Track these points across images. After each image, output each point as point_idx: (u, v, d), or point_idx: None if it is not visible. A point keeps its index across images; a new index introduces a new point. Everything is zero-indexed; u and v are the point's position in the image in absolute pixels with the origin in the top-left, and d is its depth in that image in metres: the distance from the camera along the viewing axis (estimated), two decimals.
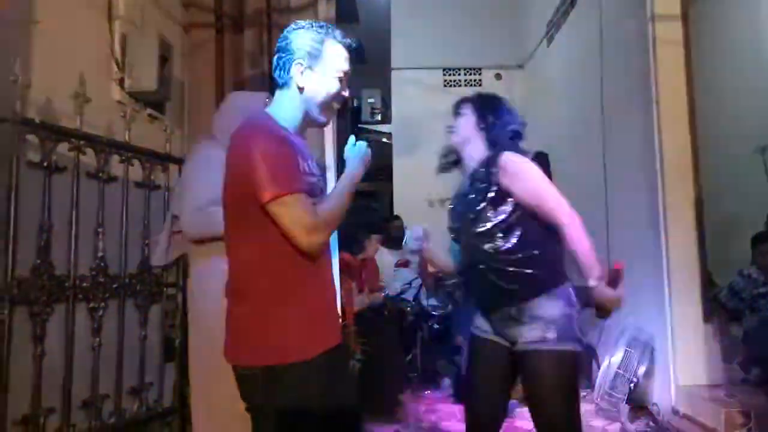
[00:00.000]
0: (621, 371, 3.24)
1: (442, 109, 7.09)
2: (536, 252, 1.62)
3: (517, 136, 1.82)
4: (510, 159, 1.67)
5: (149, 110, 2.76)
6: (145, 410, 2.36)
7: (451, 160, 1.89)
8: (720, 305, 3.42)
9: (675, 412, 3.09)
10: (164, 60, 2.71)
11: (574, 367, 1.65)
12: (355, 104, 7.22)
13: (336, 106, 1.44)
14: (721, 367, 3.15)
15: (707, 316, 3.16)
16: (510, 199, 1.64)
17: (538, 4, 5.64)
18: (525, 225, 1.63)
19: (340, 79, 1.40)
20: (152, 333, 2.46)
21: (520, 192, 1.63)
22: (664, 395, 3.20)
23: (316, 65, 1.37)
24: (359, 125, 7.07)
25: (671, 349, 3.15)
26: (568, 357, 1.60)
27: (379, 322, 3.70)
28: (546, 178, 1.66)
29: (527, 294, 1.60)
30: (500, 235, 1.63)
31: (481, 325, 1.76)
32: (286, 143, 1.31)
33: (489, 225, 1.65)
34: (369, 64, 8.04)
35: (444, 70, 6.38)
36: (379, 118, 6.80)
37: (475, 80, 6.39)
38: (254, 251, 1.31)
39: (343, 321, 3.28)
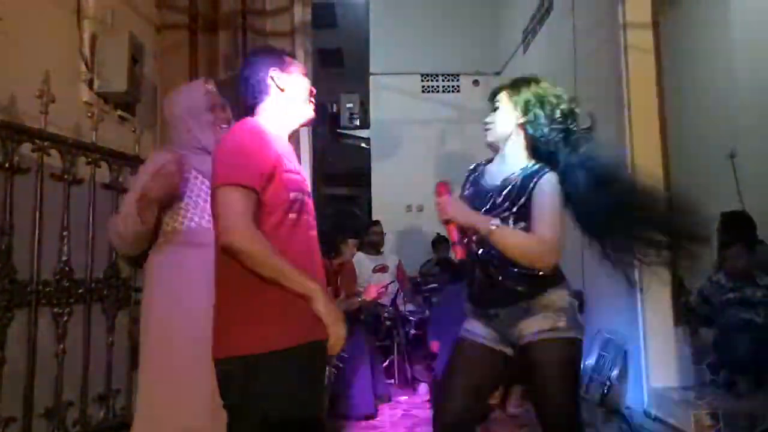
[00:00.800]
0: (595, 375, 3.26)
1: (420, 114, 7.20)
2: None
3: (567, 136, 1.65)
4: (549, 183, 1.60)
5: (119, 112, 2.71)
6: (112, 417, 2.30)
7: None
8: (691, 310, 3.48)
9: (647, 414, 3.13)
10: (135, 61, 2.66)
11: (580, 356, 1.67)
12: (333, 109, 7.22)
13: (311, 101, 1.56)
14: (691, 369, 3.20)
15: (678, 320, 3.21)
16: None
17: (515, 12, 5.71)
18: None
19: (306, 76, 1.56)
20: (120, 339, 2.40)
21: (534, 205, 1.59)
22: (636, 398, 3.23)
23: (286, 70, 1.51)
24: (338, 130, 7.06)
25: (644, 352, 3.19)
26: (577, 344, 1.63)
27: (355, 327, 3.67)
28: (560, 211, 1.59)
29: (537, 292, 1.61)
30: None
31: (473, 328, 1.72)
32: (267, 141, 1.38)
33: None
34: (347, 69, 8.07)
35: (422, 75, 6.44)
36: (357, 123, 6.79)
37: (453, 86, 6.45)
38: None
39: None
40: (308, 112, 1.54)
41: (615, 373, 3.25)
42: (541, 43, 5.03)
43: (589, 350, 3.41)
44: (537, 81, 1.74)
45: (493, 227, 1.53)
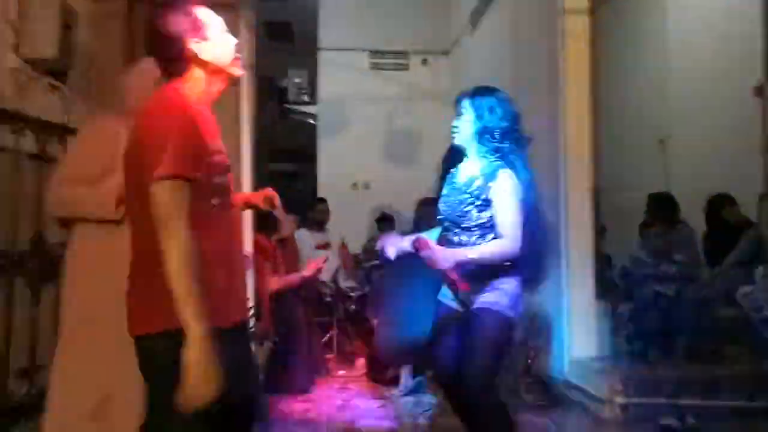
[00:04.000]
0: (520, 346, 3.45)
1: (369, 91, 7.15)
2: None
3: (517, 140, 2.00)
4: (504, 180, 1.92)
5: (49, 79, 2.61)
6: (34, 392, 2.27)
7: (456, 162, 2.10)
8: (613, 285, 3.71)
9: (567, 383, 3.34)
10: (68, 27, 2.56)
11: (510, 334, 2.03)
12: (281, 84, 7.12)
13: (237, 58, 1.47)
14: (609, 340, 3.44)
15: (598, 295, 3.42)
16: (492, 206, 1.93)
17: None
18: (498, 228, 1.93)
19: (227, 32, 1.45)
20: (45, 313, 2.36)
21: (495, 203, 1.92)
22: (558, 368, 3.45)
23: (206, 35, 1.40)
24: (285, 105, 6.98)
25: (566, 325, 3.40)
26: (510, 322, 1.95)
27: (295, 302, 3.73)
28: (516, 208, 1.91)
29: (492, 275, 1.93)
30: (479, 232, 1.94)
31: (448, 294, 2.06)
32: (197, 121, 1.31)
33: (472, 224, 1.95)
34: (296, 44, 7.95)
35: (371, 52, 6.41)
36: (305, 98, 6.75)
37: (402, 64, 6.47)
38: (149, 222, 1.27)
39: (257, 301, 3.29)
40: (235, 72, 1.45)
41: (539, 344, 3.45)
42: (487, 26, 5.12)
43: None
44: (493, 90, 2.03)
45: (472, 255, 1.88)
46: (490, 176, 1.93)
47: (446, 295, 2.07)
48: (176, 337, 1.24)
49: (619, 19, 5.68)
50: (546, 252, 2.08)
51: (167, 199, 1.23)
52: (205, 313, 1.22)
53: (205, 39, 1.39)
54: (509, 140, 1.97)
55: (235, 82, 1.49)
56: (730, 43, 4.25)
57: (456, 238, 1.98)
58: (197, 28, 1.38)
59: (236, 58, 1.45)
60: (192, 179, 1.26)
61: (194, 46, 1.37)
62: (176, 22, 1.36)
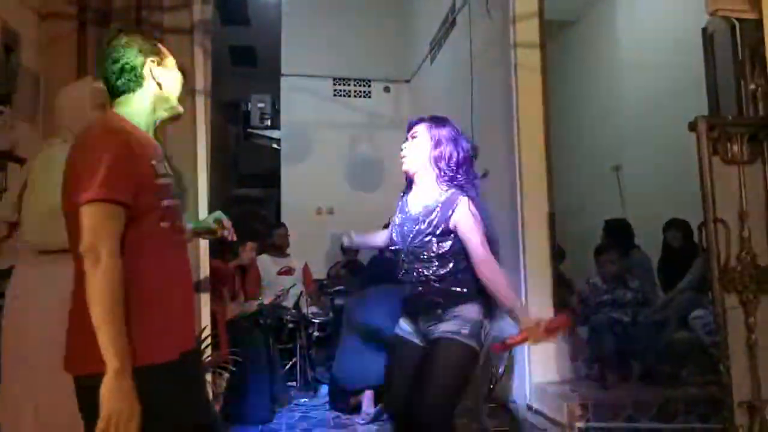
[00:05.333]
0: (482, 371, 3.44)
1: (332, 118, 7.19)
2: (462, 277, 1.92)
3: (471, 174, 2.00)
4: (465, 207, 1.90)
5: None
6: None
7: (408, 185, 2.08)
8: (571, 310, 3.76)
9: (529, 407, 3.34)
10: (9, 50, 2.50)
11: (470, 365, 1.92)
12: (244, 108, 7.10)
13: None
14: (569, 365, 3.46)
15: None
16: (452, 235, 1.91)
17: (424, 23, 5.89)
18: (457, 256, 1.92)
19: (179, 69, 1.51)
20: None
21: (461, 231, 1.89)
22: (520, 392, 3.45)
23: (162, 62, 1.45)
24: (248, 129, 6.95)
25: (527, 350, 3.40)
26: (471, 352, 1.88)
27: (253, 329, 3.64)
28: (478, 228, 1.89)
29: (452, 304, 1.90)
30: (437, 263, 1.92)
31: (406, 327, 2.03)
32: (132, 145, 1.30)
33: (431, 254, 1.92)
34: (259, 69, 7.96)
35: (334, 79, 6.46)
36: (268, 123, 6.74)
37: (364, 92, 6.53)
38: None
39: (213, 329, 3.20)
40: (179, 109, 1.49)
41: (501, 369, 3.45)
42: (446, 56, 5.23)
43: None
44: (449, 121, 2.03)
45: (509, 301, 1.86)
46: (449, 205, 1.90)
47: (404, 328, 2.04)
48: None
49: (571, 51, 5.91)
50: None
51: (93, 223, 1.20)
52: (126, 349, 1.18)
53: (161, 64, 1.44)
54: (464, 172, 1.96)
55: (175, 119, 1.51)
56: (678, 73, 4.45)
57: (415, 272, 1.95)
58: (157, 52, 1.44)
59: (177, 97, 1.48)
60: (123, 203, 1.23)
61: (151, 65, 1.41)
62: (139, 41, 1.42)
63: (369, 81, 6.51)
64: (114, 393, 1.15)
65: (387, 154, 6.21)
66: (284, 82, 6.39)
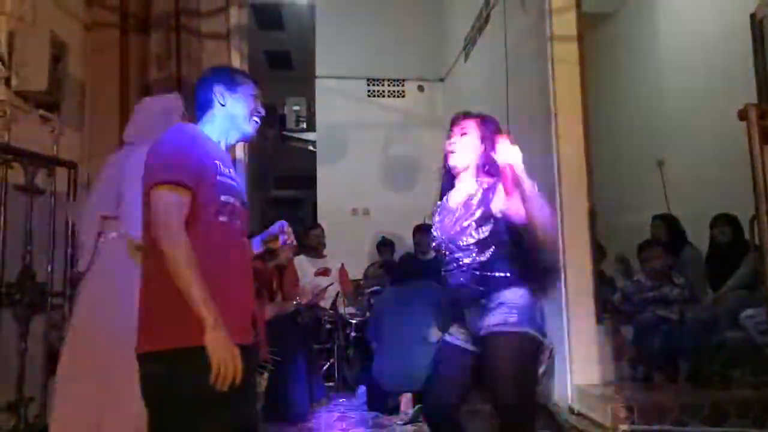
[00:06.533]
0: None
1: (366, 118, 7.21)
2: (503, 262, 1.83)
3: None
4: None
5: (41, 111, 2.64)
6: (23, 426, 2.23)
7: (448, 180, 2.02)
8: (614, 308, 3.65)
9: (571, 410, 3.26)
10: (58, 59, 2.60)
11: (532, 352, 1.80)
12: (280, 112, 7.19)
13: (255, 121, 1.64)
14: (612, 365, 3.36)
15: (599, 319, 3.36)
16: (491, 220, 1.83)
17: (457, 21, 5.85)
18: (497, 241, 1.83)
19: (255, 97, 1.62)
20: (35, 345, 2.32)
21: (505, 205, 1.80)
22: (562, 394, 3.37)
23: (232, 88, 1.60)
24: (284, 132, 7.04)
25: (568, 350, 3.32)
26: (527, 340, 1.75)
27: (291, 330, 3.68)
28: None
29: (495, 290, 1.80)
30: (476, 249, 1.83)
31: (454, 332, 1.91)
32: (201, 143, 1.45)
33: (470, 240, 1.84)
34: (294, 72, 8.07)
35: (368, 80, 6.47)
36: (304, 126, 6.81)
37: (398, 91, 6.52)
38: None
39: (254, 329, 3.24)
40: (247, 129, 1.61)
41: (541, 370, 3.37)
42: (480, 53, 5.17)
43: None
44: (494, 119, 2.00)
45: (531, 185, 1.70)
46: (491, 190, 1.85)
47: (452, 334, 1.94)
48: (181, 356, 1.28)
49: (611, 43, 5.75)
50: (549, 260, 1.95)
51: (164, 203, 1.32)
52: (209, 305, 1.28)
53: (231, 91, 1.57)
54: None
55: (246, 138, 1.65)
56: (724, 62, 4.27)
57: (455, 262, 1.87)
58: (230, 80, 1.60)
59: (254, 120, 1.61)
60: (188, 187, 1.34)
61: (219, 91, 1.57)
62: (215, 69, 1.66)
63: (402, 81, 6.49)
64: (216, 343, 1.26)
65: (422, 154, 6.20)
66: (319, 85, 6.44)
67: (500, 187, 1.82)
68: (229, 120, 1.57)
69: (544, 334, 1.82)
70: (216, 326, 1.27)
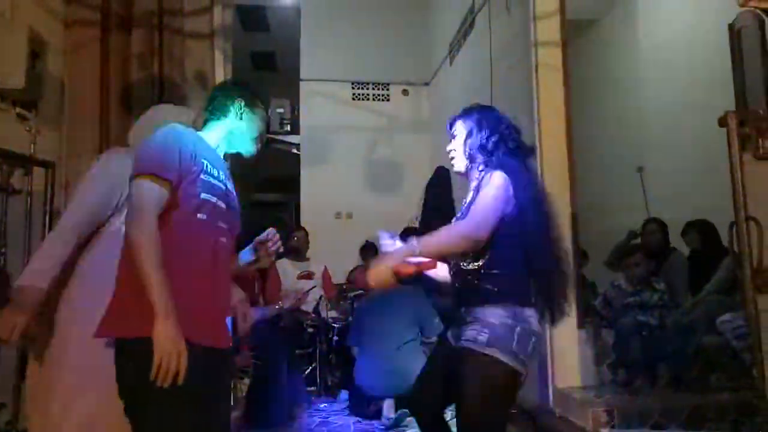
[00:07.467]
0: None
1: (351, 121, 7.21)
2: (497, 273, 1.70)
3: (513, 146, 1.83)
4: (492, 177, 1.72)
5: (18, 109, 2.57)
6: None
7: (446, 186, 2.01)
8: (595, 313, 3.68)
9: (552, 413, 3.27)
10: (36, 56, 2.54)
11: (503, 381, 1.64)
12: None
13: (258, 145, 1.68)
14: (593, 369, 3.39)
15: (581, 324, 3.38)
16: None
17: (442, 25, 5.88)
18: (495, 248, 1.71)
19: (265, 124, 1.69)
20: (7, 348, 2.26)
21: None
22: (543, 398, 3.38)
23: (251, 106, 1.64)
24: (268, 134, 6.98)
25: (549, 354, 3.34)
26: (493, 366, 1.62)
27: (273, 334, 3.64)
28: (496, 199, 1.69)
29: (475, 303, 1.71)
30: (472, 254, 1.73)
31: (451, 332, 1.86)
32: (191, 141, 1.45)
33: None
34: (279, 74, 8.02)
35: (353, 83, 6.47)
36: (288, 128, 6.76)
37: (383, 95, 6.53)
38: None
39: (234, 333, 3.20)
40: (251, 149, 1.66)
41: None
42: (465, 57, 5.20)
43: None
44: (480, 106, 1.95)
45: (416, 248, 1.64)
46: (483, 183, 1.75)
47: (449, 333, 1.87)
48: (126, 346, 1.31)
49: (593, 50, 5.82)
50: (559, 270, 1.74)
51: (139, 192, 1.34)
52: (168, 300, 1.28)
53: (249, 108, 1.62)
54: (504, 148, 1.81)
55: (244, 155, 1.68)
56: (704, 70, 4.34)
57: (456, 267, 1.82)
58: (252, 98, 1.64)
59: (258, 143, 1.66)
60: (169, 180, 1.36)
61: (241, 103, 1.60)
62: (242, 83, 1.69)
63: (388, 84, 6.50)
64: (163, 335, 1.26)
65: (406, 158, 6.21)
66: (303, 87, 6.42)
67: (493, 175, 1.73)
68: (239, 134, 1.62)
69: (523, 363, 1.65)
70: (167, 318, 1.26)
